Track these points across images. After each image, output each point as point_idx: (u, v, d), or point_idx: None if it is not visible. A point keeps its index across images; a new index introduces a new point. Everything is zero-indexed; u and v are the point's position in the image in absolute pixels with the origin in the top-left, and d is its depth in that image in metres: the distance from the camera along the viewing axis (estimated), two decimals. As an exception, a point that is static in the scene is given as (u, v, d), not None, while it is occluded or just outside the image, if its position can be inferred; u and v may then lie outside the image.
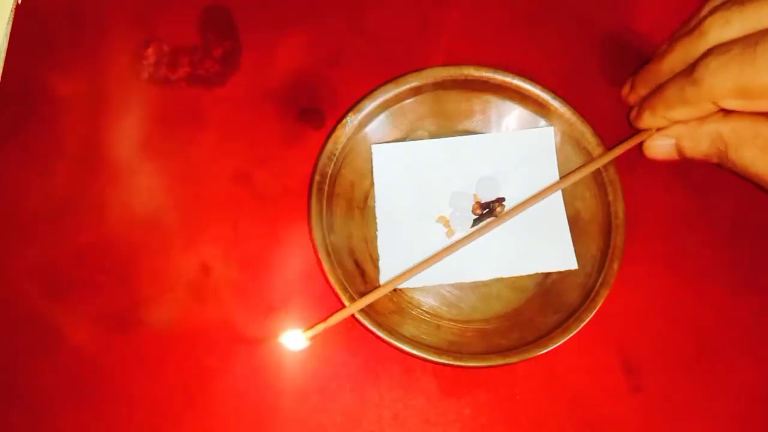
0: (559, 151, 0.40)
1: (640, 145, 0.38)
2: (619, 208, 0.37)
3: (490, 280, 0.38)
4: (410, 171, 0.39)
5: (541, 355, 0.34)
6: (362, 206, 0.39)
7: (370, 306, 0.35)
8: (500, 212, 0.38)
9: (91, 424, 0.35)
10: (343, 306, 0.35)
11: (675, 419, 0.37)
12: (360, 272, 0.37)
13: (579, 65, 0.43)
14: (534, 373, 0.37)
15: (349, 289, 0.35)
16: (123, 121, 0.41)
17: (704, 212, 0.40)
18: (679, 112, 0.34)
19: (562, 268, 0.38)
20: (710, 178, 0.41)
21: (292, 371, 0.36)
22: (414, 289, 0.38)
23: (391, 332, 0.35)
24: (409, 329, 0.36)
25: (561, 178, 0.39)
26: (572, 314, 0.35)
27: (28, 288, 0.37)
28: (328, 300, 0.36)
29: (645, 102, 0.36)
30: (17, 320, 0.37)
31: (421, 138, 0.40)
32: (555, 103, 0.39)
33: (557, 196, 0.39)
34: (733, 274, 0.39)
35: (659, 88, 0.35)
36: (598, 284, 0.36)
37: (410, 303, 0.37)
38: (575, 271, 0.37)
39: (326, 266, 0.35)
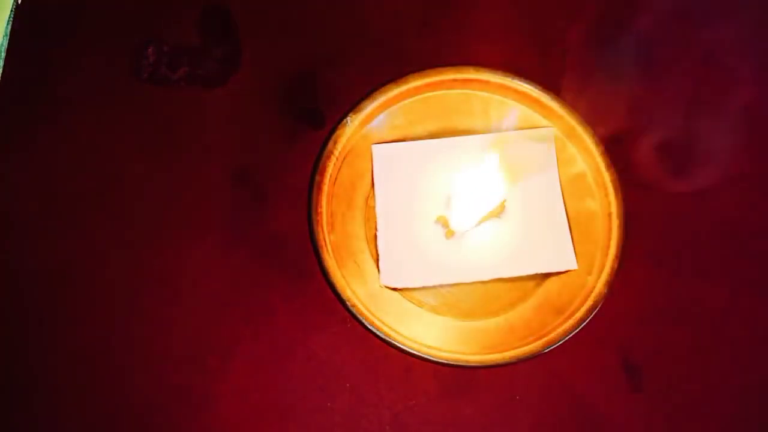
0: (559, 151, 0.40)
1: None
2: (619, 208, 0.37)
3: (490, 280, 0.38)
4: (410, 171, 0.39)
5: (541, 355, 0.34)
6: (362, 206, 0.39)
7: (370, 306, 0.35)
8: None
9: (91, 424, 0.35)
10: (345, 309, 0.35)
11: (675, 419, 0.37)
12: (360, 272, 0.37)
13: (579, 65, 0.43)
14: (534, 373, 0.37)
15: (349, 289, 0.35)
16: (123, 121, 0.41)
17: (704, 212, 0.40)
18: None
19: (562, 268, 0.38)
20: (710, 178, 0.41)
21: (292, 371, 0.36)
22: (414, 289, 0.38)
23: (391, 332, 0.35)
24: (409, 329, 0.36)
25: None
26: (572, 314, 0.35)
27: (28, 287, 0.37)
28: (329, 300, 0.36)
29: None
30: (17, 320, 0.37)
31: (421, 138, 0.40)
32: (555, 103, 0.39)
33: (557, 197, 0.39)
34: (733, 274, 0.39)
35: None
36: (598, 284, 0.36)
37: (410, 303, 0.37)
38: (575, 271, 0.37)
39: (326, 266, 0.35)
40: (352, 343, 0.37)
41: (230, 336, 0.37)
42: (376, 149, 0.39)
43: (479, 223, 0.38)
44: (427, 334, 0.36)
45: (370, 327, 0.34)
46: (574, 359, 0.37)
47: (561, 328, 0.35)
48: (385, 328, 0.35)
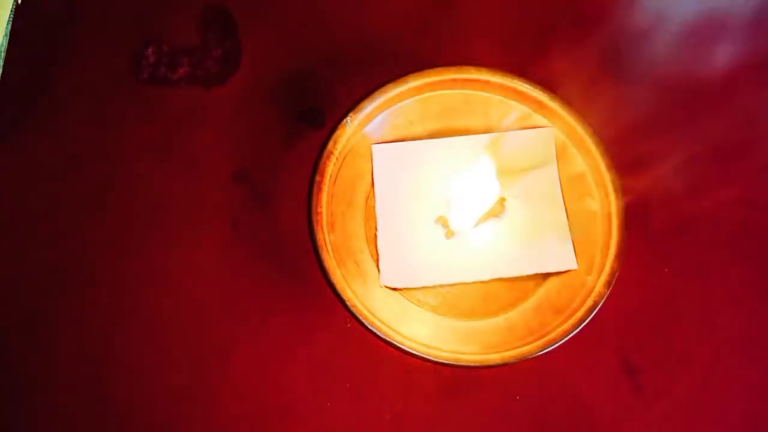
0: (560, 152, 0.40)
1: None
2: (619, 208, 0.37)
3: (490, 280, 0.38)
4: (410, 171, 0.39)
5: (541, 355, 0.34)
6: (362, 206, 0.39)
7: (370, 306, 0.35)
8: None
9: (91, 424, 0.35)
10: (345, 309, 0.35)
11: (675, 419, 0.37)
12: (360, 272, 0.37)
13: (579, 65, 0.43)
14: (534, 373, 0.37)
15: (349, 289, 0.35)
16: (123, 121, 0.41)
17: (704, 212, 0.40)
18: None
19: (562, 269, 0.38)
20: (710, 177, 0.41)
21: (292, 371, 0.36)
22: (414, 289, 0.37)
23: (391, 332, 0.35)
24: (409, 329, 0.36)
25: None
26: (572, 314, 0.35)
27: (29, 287, 0.37)
28: (329, 300, 0.36)
29: None
30: (17, 320, 0.37)
31: (421, 138, 0.40)
32: (555, 103, 0.39)
33: (557, 196, 0.39)
34: (733, 274, 0.39)
35: None
36: (598, 284, 0.36)
37: (410, 303, 0.37)
38: (575, 271, 0.37)
39: (326, 266, 0.35)
40: (352, 343, 0.37)
41: (230, 336, 0.37)
42: (376, 149, 0.39)
43: (479, 223, 0.38)
44: (427, 334, 0.36)
45: (370, 327, 0.34)
46: (574, 359, 0.37)
47: (561, 328, 0.35)
48: (385, 328, 0.35)
